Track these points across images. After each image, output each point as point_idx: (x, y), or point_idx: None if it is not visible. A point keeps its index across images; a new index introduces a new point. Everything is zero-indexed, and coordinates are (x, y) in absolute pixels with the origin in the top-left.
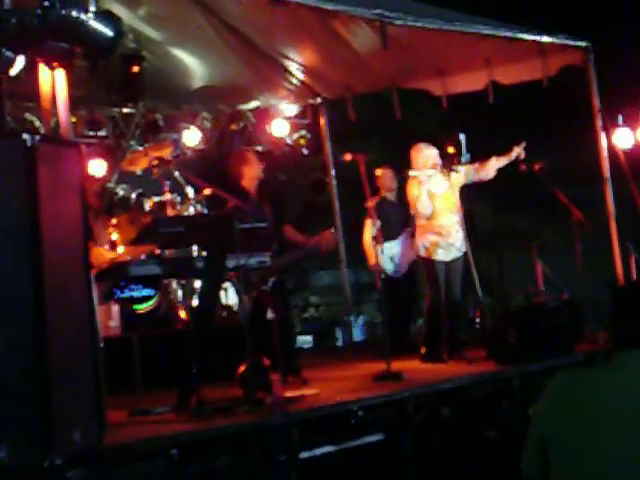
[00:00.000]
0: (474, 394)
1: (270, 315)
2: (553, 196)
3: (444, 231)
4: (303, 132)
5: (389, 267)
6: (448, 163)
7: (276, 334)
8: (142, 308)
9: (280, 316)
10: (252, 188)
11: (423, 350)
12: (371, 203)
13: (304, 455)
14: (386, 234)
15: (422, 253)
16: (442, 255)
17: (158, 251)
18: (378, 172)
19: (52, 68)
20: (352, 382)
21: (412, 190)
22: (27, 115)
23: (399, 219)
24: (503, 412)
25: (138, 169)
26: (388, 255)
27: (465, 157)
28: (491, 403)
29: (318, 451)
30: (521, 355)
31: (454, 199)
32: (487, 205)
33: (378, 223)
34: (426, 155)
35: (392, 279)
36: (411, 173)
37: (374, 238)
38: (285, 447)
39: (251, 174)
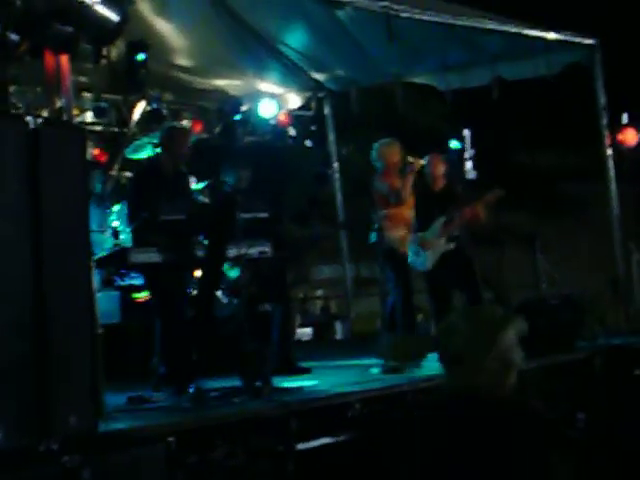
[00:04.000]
0: None
1: (268, 307)
2: (555, 194)
3: (411, 224)
4: (307, 124)
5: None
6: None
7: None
8: (142, 297)
9: (279, 308)
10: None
11: None
12: None
13: (301, 446)
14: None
15: (395, 246)
16: (408, 249)
17: None
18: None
19: (57, 53)
20: (351, 375)
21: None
22: (31, 99)
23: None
24: None
25: (142, 157)
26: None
27: (469, 152)
28: None
29: (315, 443)
30: None
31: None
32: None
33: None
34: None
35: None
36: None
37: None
38: (282, 438)
39: None
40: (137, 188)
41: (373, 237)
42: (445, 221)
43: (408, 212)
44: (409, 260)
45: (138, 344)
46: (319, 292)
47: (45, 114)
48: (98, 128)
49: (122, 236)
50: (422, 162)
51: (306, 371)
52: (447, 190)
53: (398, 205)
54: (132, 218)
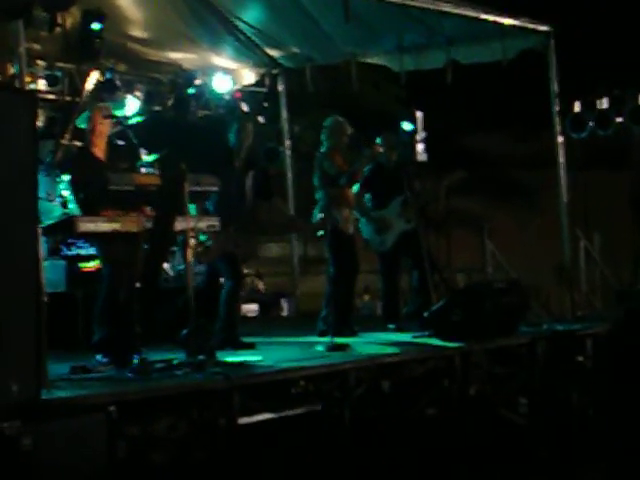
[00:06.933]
0: (416, 370)
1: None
2: (506, 179)
3: (354, 204)
4: (260, 100)
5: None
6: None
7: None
8: (88, 266)
9: (230, 285)
10: None
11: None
12: None
13: (243, 421)
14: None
15: (341, 225)
16: (351, 229)
17: None
18: None
19: (11, 18)
20: (296, 351)
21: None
22: None
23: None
24: (443, 390)
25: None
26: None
27: (421, 135)
28: (432, 380)
29: (257, 417)
30: (465, 334)
31: None
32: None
33: None
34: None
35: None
36: None
37: None
38: (225, 412)
39: None
40: (81, 160)
41: (317, 216)
42: (404, 201)
43: (351, 192)
44: (367, 238)
45: (83, 314)
46: (267, 269)
47: None
48: (50, 96)
49: (71, 205)
50: (380, 150)
51: (250, 346)
52: (400, 170)
53: (343, 186)
54: (81, 188)
